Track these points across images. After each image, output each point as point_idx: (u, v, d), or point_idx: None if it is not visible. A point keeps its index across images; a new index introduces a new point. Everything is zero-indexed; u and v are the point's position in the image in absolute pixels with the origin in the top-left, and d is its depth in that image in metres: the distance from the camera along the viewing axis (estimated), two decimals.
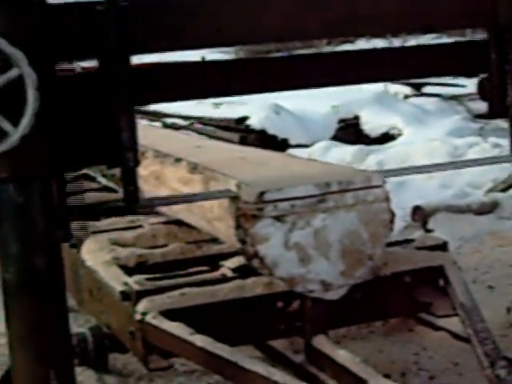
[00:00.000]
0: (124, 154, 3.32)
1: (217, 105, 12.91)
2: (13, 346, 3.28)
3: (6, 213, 3.21)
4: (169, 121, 13.69)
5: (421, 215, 7.24)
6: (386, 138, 12.35)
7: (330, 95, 11.89)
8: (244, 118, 12.47)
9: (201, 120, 13.20)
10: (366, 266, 3.63)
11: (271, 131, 12.14)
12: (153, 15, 3.37)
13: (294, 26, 3.67)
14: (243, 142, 10.88)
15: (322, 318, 3.75)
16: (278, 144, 11.46)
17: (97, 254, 4.35)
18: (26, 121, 3.03)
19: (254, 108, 12.41)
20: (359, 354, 3.65)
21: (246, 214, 3.49)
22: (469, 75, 4.14)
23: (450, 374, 4.33)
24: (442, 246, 4.24)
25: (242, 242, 3.53)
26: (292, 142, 11.99)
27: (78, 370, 3.61)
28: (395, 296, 3.96)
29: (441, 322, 4.48)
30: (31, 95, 3.02)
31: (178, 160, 4.32)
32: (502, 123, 4.07)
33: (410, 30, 4.02)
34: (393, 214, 3.78)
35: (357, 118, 12.85)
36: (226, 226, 3.74)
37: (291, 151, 10.39)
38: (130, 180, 3.38)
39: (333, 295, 3.61)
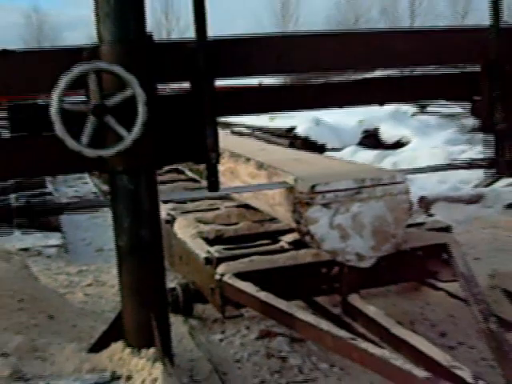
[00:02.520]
0: (208, 154, 3.32)
1: (272, 118, 12.93)
2: (123, 295, 3.34)
3: (120, 196, 3.24)
4: (236, 129, 13.76)
5: (425, 204, 7.23)
6: (399, 144, 12.32)
7: (356, 112, 11.88)
8: (292, 128, 12.55)
9: (260, 129, 13.22)
10: (390, 243, 3.61)
11: (312, 138, 12.23)
12: (231, 49, 3.40)
13: (338, 60, 3.67)
14: (291, 146, 10.88)
15: (356, 281, 3.74)
16: (318, 148, 11.48)
17: (185, 229, 4.38)
18: (137, 129, 3.03)
19: (300, 121, 12.51)
20: (379, 307, 3.60)
21: (301, 201, 3.49)
22: (465, 99, 4.08)
23: (447, 323, 4.26)
24: (447, 229, 4.22)
25: (297, 222, 3.55)
26: (328, 146, 12.04)
27: (170, 315, 3.58)
28: (411, 265, 3.93)
29: (440, 285, 4.47)
30: (141, 109, 3.02)
31: (248, 159, 4.32)
32: (487, 135, 4.04)
33: (424, 63, 3.97)
34: (411, 204, 3.78)
35: (376, 129, 12.87)
36: (284, 209, 3.74)
37: (328, 153, 10.37)
38: (212, 173, 3.40)
39: (364, 264, 3.59)
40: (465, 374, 2.73)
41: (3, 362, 3.11)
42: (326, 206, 3.47)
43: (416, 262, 3.91)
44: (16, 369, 3.10)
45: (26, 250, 6.17)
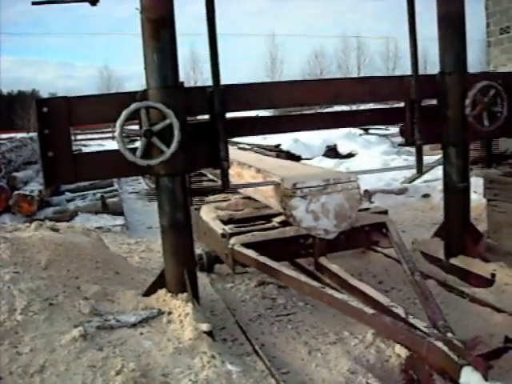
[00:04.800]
0: (222, 162, 3.30)
1: (265, 138, 12.85)
2: (165, 257, 3.32)
3: (163, 191, 3.22)
4: (240, 146, 13.68)
5: (368, 194, 7.16)
6: (350, 155, 12.24)
7: (322, 133, 11.82)
8: (278, 145, 12.48)
9: (257, 145, 13.14)
10: (347, 222, 3.52)
11: (292, 151, 12.14)
12: (236, 92, 3.35)
13: (308, 99, 3.65)
14: (278, 157, 10.79)
15: (324, 248, 3.67)
16: (296, 158, 11.41)
17: (208, 214, 4.29)
18: (173, 145, 3.01)
19: (284, 140, 12.42)
20: (339, 265, 3.55)
21: (286, 194, 3.41)
22: (394, 124, 4.11)
23: (383, 275, 4.21)
24: (385, 212, 4.13)
25: (284, 208, 3.46)
26: (303, 157, 11.94)
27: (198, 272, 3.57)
28: (361, 237, 3.85)
29: (378, 249, 4.44)
30: (176, 133, 3.01)
31: (250, 166, 4.23)
32: (409, 148, 4.04)
33: (367, 101, 3.93)
34: (361, 195, 3.70)
35: (335, 145, 12.78)
36: (275, 200, 3.66)
37: (302, 161, 10.31)
38: (224, 175, 3.37)
39: (330, 236, 3.51)
40: (399, 311, 2.71)
41: (85, 303, 3.08)
42: (303, 197, 3.39)
43: (364, 235, 3.85)
44: (94, 308, 3.08)
45: (100, 228, 6.16)
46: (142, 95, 3.05)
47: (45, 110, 3.01)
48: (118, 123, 2.94)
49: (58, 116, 3.03)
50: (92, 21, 69.18)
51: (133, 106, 2.96)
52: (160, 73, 3.03)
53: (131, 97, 3.05)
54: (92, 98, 3.21)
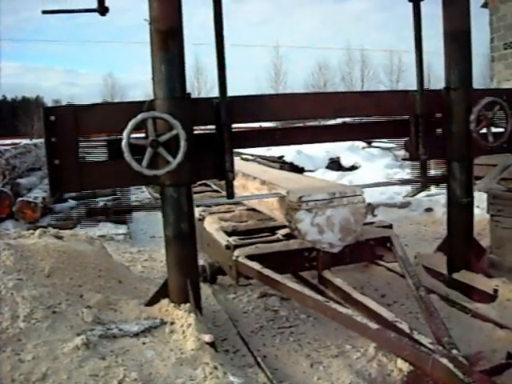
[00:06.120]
0: (227, 173, 3.31)
1: (268, 149, 12.81)
2: (169, 267, 3.31)
3: (168, 202, 3.21)
4: (244, 156, 13.65)
5: (370, 208, 7.12)
6: (353, 168, 12.17)
7: (325, 146, 11.77)
8: (282, 156, 12.43)
9: (260, 156, 13.12)
10: (352, 236, 3.50)
11: (295, 163, 12.05)
12: (243, 104, 3.37)
13: (314, 112, 3.68)
14: (281, 168, 10.75)
15: (328, 261, 3.64)
16: (299, 170, 11.35)
17: (212, 225, 4.28)
18: (180, 156, 3.02)
19: (287, 151, 12.35)
20: (343, 279, 3.52)
21: (292, 207, 3.39)
22: (398, 138, 4.13)
23: (385, 288, 4.19)
24: (389, 226, 4.11)
25: (289, 221, 3.45)
26: (306, 168, 11.87)
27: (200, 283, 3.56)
28: (365, 251, 3.82)
29: (381, 263, 4.41)
30: (182, 143, 3.02)
31: (255, 178, 4.22)
32: (413, 162, 4.06)
33: (371, 114, 3.93)
34: (366, 209, 3.69)
35: (338, 157, 12.70)
36: (279, 212, 3.65)
37: (306, 173, 10.26)
38: (229, 186, 3.39)
39: (334, 250, 3.49)
40: (404, 326, 2.70)
41: (88, 312, 3.08)
42: (308, 210, 3.38)
43: (369, 249, 3.82)
44: (96, 316, 3.07)
45: (103, 236, 6.16)
46: (148, 105, 3.06)
47: (52, 118, 3.02)
48: (125, 133, 2.95)
49: (64, 125, 3.04)
50: (95, 28, 69.50)
51: (140, 117, 2.97)
52: (167, 83, 3.04)
53: (138, 106, 3.05)
54: (99, 107, 3.22)
